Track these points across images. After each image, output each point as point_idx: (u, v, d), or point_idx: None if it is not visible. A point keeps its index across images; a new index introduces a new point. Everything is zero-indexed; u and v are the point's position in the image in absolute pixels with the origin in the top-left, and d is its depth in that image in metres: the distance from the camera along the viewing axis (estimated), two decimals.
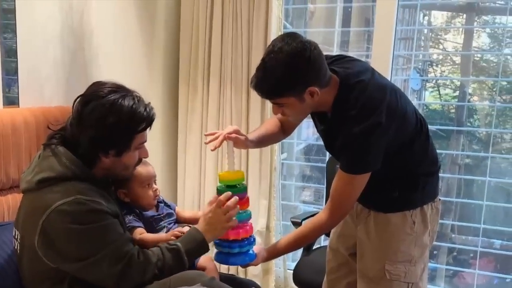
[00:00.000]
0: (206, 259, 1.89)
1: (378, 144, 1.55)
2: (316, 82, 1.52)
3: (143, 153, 1.62)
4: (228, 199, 1.61)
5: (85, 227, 1.42)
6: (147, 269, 1.49)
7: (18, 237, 1.52)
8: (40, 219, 1.41)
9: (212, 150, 1.71)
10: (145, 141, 1.60)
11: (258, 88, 1.55)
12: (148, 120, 1.54)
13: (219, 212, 1.60)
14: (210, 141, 1.70)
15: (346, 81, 1.58)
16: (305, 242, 1.83)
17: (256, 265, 1.75)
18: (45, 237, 1.43)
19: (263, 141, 1.89)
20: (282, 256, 2.90)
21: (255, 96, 2.69)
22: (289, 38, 1.50)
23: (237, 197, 1.63)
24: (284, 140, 2.87)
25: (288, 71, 1.48)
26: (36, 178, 1.47)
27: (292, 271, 2.41)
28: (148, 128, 1.57)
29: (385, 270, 1.67)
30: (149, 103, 1.57)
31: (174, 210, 1.97)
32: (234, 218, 1.62)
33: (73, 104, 1.52)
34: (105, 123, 1.46)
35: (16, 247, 1.55)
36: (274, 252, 1.77)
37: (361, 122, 1.51)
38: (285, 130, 1.92)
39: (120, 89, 1.52)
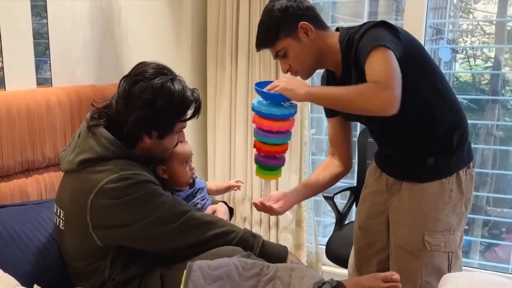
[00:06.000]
0: None
1: (390, 36, 1.46)
2: (307, 18, 1.57)
3: (180, 137, 1.66)
4: None
5: (135, 195, 1.45)
6: (210, 228, 1.53)
7: (61, 214, 1.54)
8: (88, 199, 1.44)
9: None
10: (185, 127, 1.63)
11: (259, 41, 1.61)
12: (196, 105, 1.58)
13: None
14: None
15: (348, 29, 1.61)
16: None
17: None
18: (97, 215, 1.45)
19: (316, 189, 1.92)
20: (313, 232, 2.90)
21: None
22: None
23: None
24: (312, 115, 2.86)
25: (277, 12, 1.56)
26: (77, 159, 1.49)
27: (324, 247, 2.41)
28: (196, 115, 1.60)
29: (425, 241, 1.64)
30: (195, 89, 1.60)
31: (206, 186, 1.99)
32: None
33: (119, 84, 1.54)
34: (155, 105, 1.48)
35: (58, 224, 1.57)
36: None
37: (365, 26, 1.52)
38: (343, 160, 1.91)
39: (166, 71, 1.54)
